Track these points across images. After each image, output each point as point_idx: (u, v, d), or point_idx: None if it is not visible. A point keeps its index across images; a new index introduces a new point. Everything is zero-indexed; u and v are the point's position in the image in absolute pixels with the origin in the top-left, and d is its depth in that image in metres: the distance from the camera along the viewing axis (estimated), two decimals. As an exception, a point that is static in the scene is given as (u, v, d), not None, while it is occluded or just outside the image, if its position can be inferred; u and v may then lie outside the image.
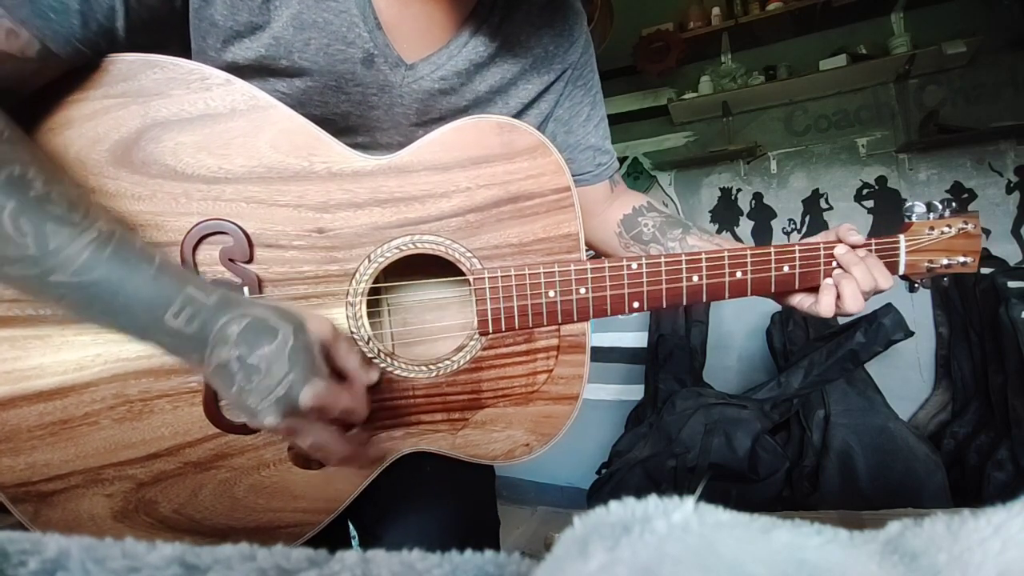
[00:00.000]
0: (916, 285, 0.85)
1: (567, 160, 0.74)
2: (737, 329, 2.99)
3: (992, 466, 2.07)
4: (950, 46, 2.45)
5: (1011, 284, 2.22)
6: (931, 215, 0.82)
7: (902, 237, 0.81)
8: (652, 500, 0.24)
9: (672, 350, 2.82)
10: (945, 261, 0.82)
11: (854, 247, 0.78)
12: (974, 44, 2.46)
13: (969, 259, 0.82)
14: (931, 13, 2.66)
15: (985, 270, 2.36)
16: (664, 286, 0.76)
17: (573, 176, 0.75)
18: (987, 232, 2.61)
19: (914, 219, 0.82)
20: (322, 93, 0.69)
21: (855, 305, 0.76)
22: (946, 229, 0.81)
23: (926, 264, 0.82)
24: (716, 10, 2.85)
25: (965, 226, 0.81)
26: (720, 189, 3.15)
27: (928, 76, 2.70)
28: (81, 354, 0.61)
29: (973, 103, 2.63)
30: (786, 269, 0.78)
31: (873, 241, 0.80)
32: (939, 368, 2.61)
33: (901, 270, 0.82)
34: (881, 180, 2.81)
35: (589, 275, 0.74)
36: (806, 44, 2.90)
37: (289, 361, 0.54)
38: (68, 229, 0.51)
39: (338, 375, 0.60)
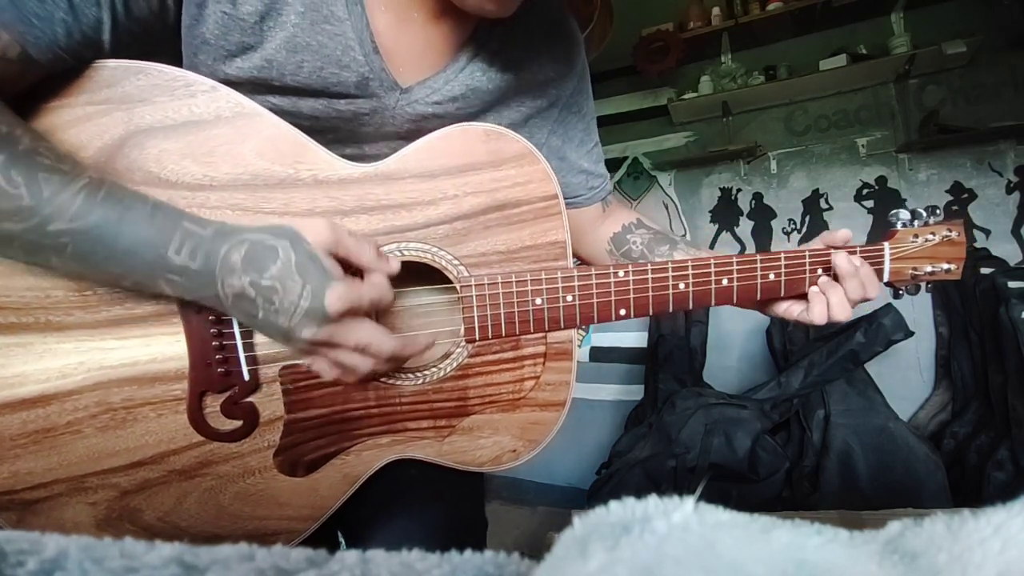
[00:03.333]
0: (900, 292, 0.86)
1: (560, 183, 0.74)
2: (737, 329, 2.99)
3: (992, 466, 2.07)
4: (950, 46, 2.44)
5: (1011, 284, 2.22)
6: (916, 223, 0.82)
7: (887, 245, 0.81)
8: (652, 500, 0.24)
9: (672, 350, 2.82)
10: (929, 268, 0.82)
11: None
12: (974, 44, 2.45)
13: (953, 266, 0.82)
14: (931, 13, 2.65)
15: (985, 270, 2.36)
16: (651, 293, 0.76)
17: (566, 199, 0.75)
18: (987, 232, 2.61)
19: (899, 227, 0.82)
20: (313, 109, 0.69)
21: (843, 313, 0.76)
22: (930, 236, 0.81)
23: (910, 271, 0.82)
24: (716, 10, 2.84)
25: (949, 233, 0.81)
26: (720, 189, 3.14)
27: (928, 76, 2.70)
28: (64, 362, 0.61)
29: (973, 103, 2.63)
30: (772, 277, 0.78)
31: (858, 248, 0.80)
32: (939, 368, 2.60)
33: (886, 277, 0.82)
34: (881, 180, 2.81)
35: (576, 282, 0.73)
36: (806, 44, 2.89)
37: (299, 274, 0.55)
38: (60, 176, 0.52)
39: (353, 271, 0.61)
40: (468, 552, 0.26)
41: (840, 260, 0.77)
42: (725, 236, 3.13)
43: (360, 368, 0.60)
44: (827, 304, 0.77)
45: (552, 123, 0.88)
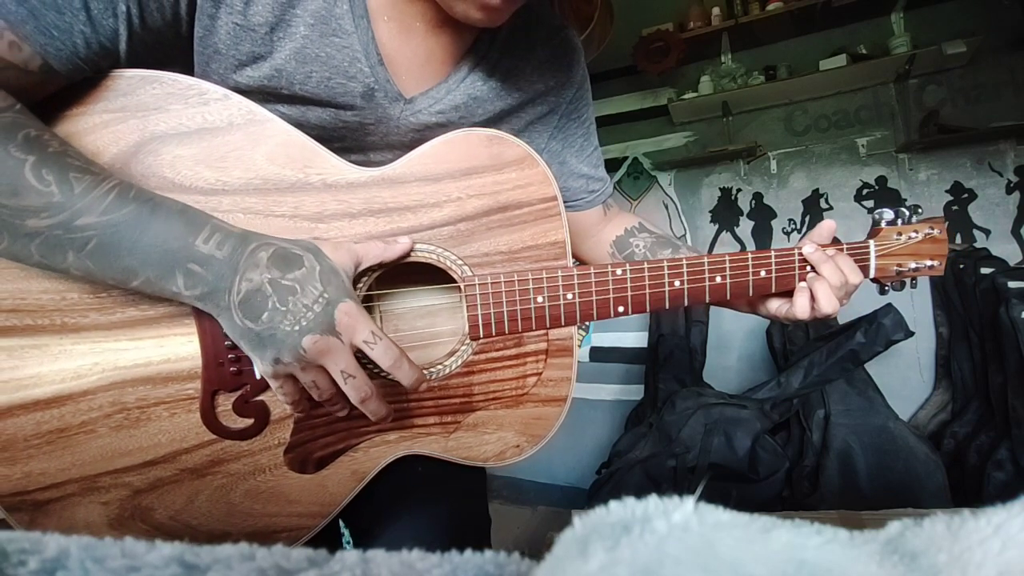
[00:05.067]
0: (886, 288, 0.88)
1: (561, 188, 0.75)
2: (737, 329, 3.00)
3: (992, 466, 2.07)
4: (950, 46, 2.45)
5: (1011, 284, 2.22)
6: (899, 221, 0.85)
7: (872, 242, 0.84)
8: (652, 500, 0.24)
9: (672, 350, 2.83)
10: (913, 265, 0.84)
11: (823, 246, 0.81)
12: (974, 44, 2.46)
13: (936, 262, 0.85)
14: (931, 13, 2.66)
15: (985, 270, 2.36)
16: (647, 291, 0.78)
17: (567, 202, 0.76)
18: (987, 232, 2.61)
19: (883, 225, 0.85)
20: (320, 118, 0.71)
21: (830, 305, 0.78)
22: (913, 234, 0.84)
23: (895, 268, 0.85)
24: (716, 10, 2.85)
25: (932, 231, 0.84)
26: (720, 189, 3.15)
27: (928, 76, 2.70)
28: (79, 363, 0.62)
29: (973, 103, 2.63)
30: (763, 274, 0.80)
31: (844, 245, 0.82)
32: (939, 368, 2.61)
33: (872, 274, 0.85)
34: (881, 180, 2.81)
35: (576, 281, 0.75)
36: (806, 44, 2.90)
37: (321, 282, 0.58)
38: (91, 177, 0.54)
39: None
40: (468, 552, 0.26)
41: (807, 249, 0.80)
42: (725, 236, 3.14)
43: (325, 392, 0.61)
44: (810, 297, 0.79)
45: (552, 129, 0.90)
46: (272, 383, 0.61)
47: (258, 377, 0.66)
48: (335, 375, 0.60)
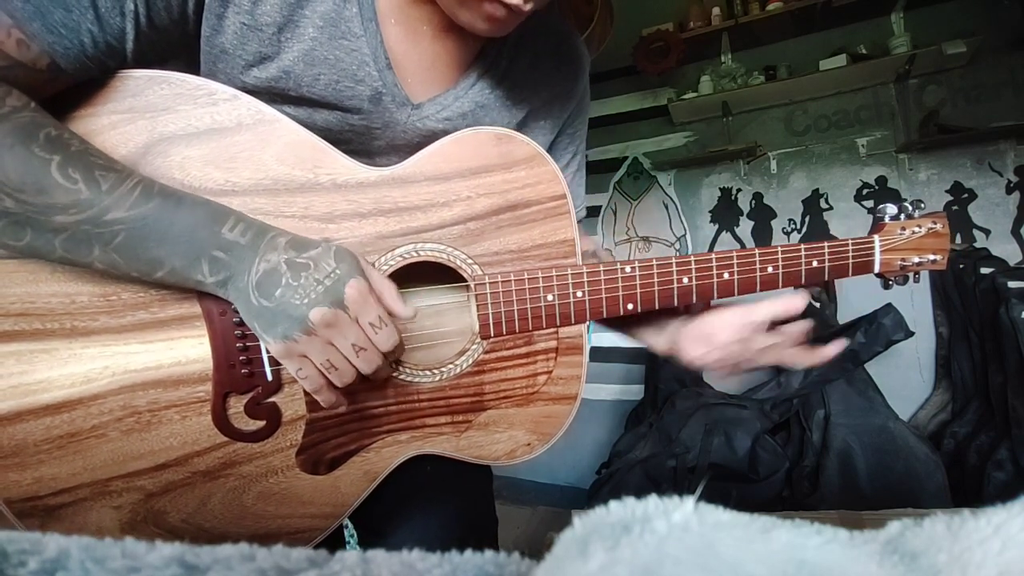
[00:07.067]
0: (890, 283, 0.89)
1: None
2: (737, 329, 2.98)
3: (992, 466, 2.07)
4: (950, 46, 2.46)
5: (1011, 284, 2.22)
6: (902, 216, 0.86)
7: (876, 237, 0.85)
8: (652, 500, 0.24)
9: (673, 350, 2.82)
10: (916, 259, 0.85)
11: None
12: (974, 44, 2.47)
13: (938, 257, 0.86)
14: (931, 13, 2.67)
15: (985, 270, 2.36)
16: (656, 288, 0.78)
17: None
18: (987, 232, 2.62)
19: (886, 220, 0.86)
20: (327, 121, 0.70)
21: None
22: (916, 229, 0.85)
23: (899, 262, 0.85)
24: (716, 10, 2.85)
25: (934, 226, 0.85)
26: (720, 189, 3.15)
27: (928, 76, 2.71)
28: (88, 367, 0.61)
29: (973, 103, 2.64)
30: (770, 270, 0.81)
31: (850, 241, 0.83)
32: (939, 368, 2.60)
33: (876, 268, 0.86)
34: (881, 180, 2.82)
35: (586, 279, 0.75)
36: (806, 44, 2.90)
37: (335, 259, 0.59)
38: (115, 174, 0.55)
39: None
40: (468, 552, 0.26)
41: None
42: (725, 236, 3.14)
43: (345, 374, 0.61)
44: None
45: (544, 137, 0.88)
46: (289, 366, 0.61)
47: (268, 378, 0.66)
48: (345, 350, 0.60)
